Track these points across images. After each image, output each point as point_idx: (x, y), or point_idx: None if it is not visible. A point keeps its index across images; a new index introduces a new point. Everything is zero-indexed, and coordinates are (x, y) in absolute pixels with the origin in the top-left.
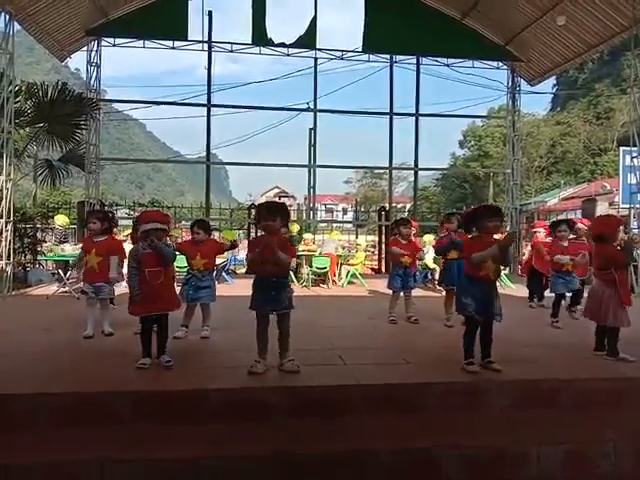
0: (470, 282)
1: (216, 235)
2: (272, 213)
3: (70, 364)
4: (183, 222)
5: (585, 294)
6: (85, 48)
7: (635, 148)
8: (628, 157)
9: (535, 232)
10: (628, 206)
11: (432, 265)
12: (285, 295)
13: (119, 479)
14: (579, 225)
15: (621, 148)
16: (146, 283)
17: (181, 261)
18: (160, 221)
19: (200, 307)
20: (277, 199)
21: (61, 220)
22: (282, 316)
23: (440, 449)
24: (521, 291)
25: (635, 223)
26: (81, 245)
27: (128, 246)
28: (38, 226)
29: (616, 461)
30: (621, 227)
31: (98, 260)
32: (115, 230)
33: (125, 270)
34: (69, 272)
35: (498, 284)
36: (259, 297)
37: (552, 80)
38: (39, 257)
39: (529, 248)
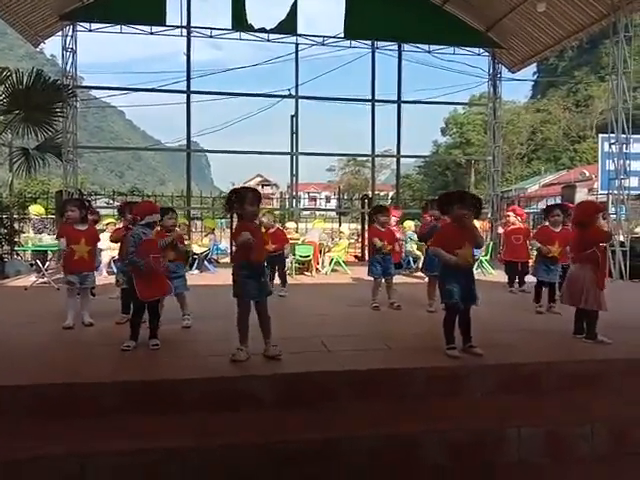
0: (452, 269)
1: (198, 224)
2: (258, 199)
3: (51, 355)
4: None
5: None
6: (60, 33)
7: (613, 135)
8: (607, 144)
9: (507, 215)
10: (607, 192)
11: (417, 252)
12: (267, 281)
13: (102, 471)
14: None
15: (600, 135)
16: (151, 268)
17: None
18: (157, 212)
19: (175, 297)
20: (260, 187)
21: (36, 210)
22: (263, 302)
23: (423, 434)
24: (502, 277)
25: (613, 209)
26: (60, 234)
27: (106, 235)
28: (15, 216)
29: (594, 442)
30: (600, 213)
31: (88, 249)
32: (93, 218)
33: (103, 258)
34: (47, 262)
35: (479, 271)
36: (250, 284)
37: (533, 67)
38: (16, 248)
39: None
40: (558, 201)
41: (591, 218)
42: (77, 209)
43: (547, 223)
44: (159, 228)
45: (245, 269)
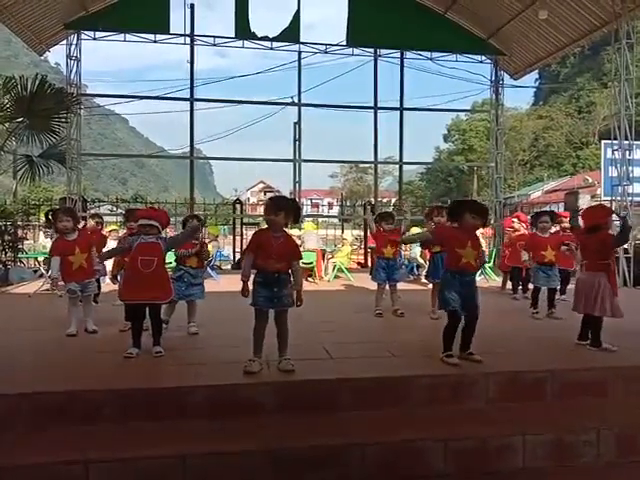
0: (453, 276)
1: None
2: (278, 207)
3: (54, 363)
4: None
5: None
6: (64, 42)
7: (616, 141)
8: (609, 150)
9: (512, 221)
10: (610, 198)
11: (420, 260)
12: (288, 292)
13: (105, 479)
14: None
15: (602, 141)
16: (137, 270)
17: (169, 257)
18: (148, 217)
19: (187, 303)
20: (262, 194)
21: None
22: (281, 313)
23: (426, 441)
24: (506, 284)
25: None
26: (53, 248)
27: (112, 242)
28: (19, 223)
29: (600, 449)
30: (611, 215)
31: (85, 257)
32: (97, 221)
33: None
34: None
35: (482, 277)
36: (262, 293)
37: (535, 74)
38: (20, 255)
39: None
40: (561, 208)
41: (603, 223)
42: (72, 219)
43: (535, 230)
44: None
45: (258, 276)
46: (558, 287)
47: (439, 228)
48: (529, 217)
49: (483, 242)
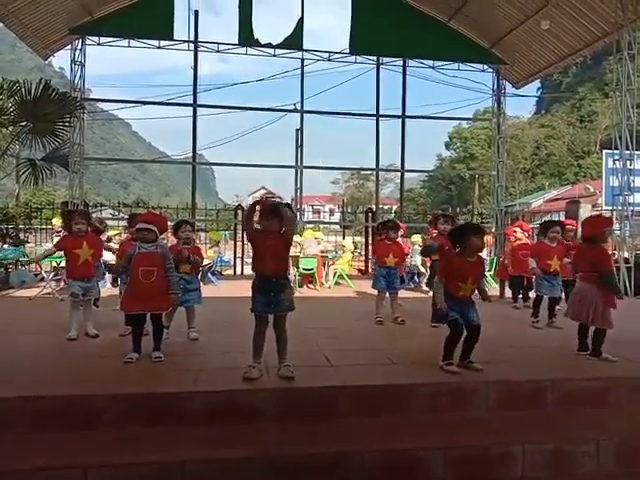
0: (448, 297)
1: (202, 236)
2: (270, 213)
3: (54, 367)
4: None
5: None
6: (69, 47)
7: (617, 151)
8: (611, 160)
9: (515, 231)
10: (611, 208)
11: (421, 268)
12: (286, 296)
13: None
14: (568, 227)
15: (604, 151)
16: (138, 281)
17: None
18: (146, 221)
19: (185, 309)
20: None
21: (59, 221)
22: (279, 318)
23: (426, 449)
24: (505, 292)
25: (618, 225)
26: (58, 243)
27: (113, 246)
28: (21, 226)
29: (599, 460)
30: (610, 227)
31: (91, 252)
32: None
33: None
34: (52, 273)
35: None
36: (259, 298)
37: (537, 83)
38: (21, 258)
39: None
40: (562, 216)
41: (601, 234)
42: (86, 222)
43: (544, 239)
44: (172, 238)
45: (256, 281)
46: (559, 296)
47: (444, 263)
48: (537, 226)
49: (484, 250)
